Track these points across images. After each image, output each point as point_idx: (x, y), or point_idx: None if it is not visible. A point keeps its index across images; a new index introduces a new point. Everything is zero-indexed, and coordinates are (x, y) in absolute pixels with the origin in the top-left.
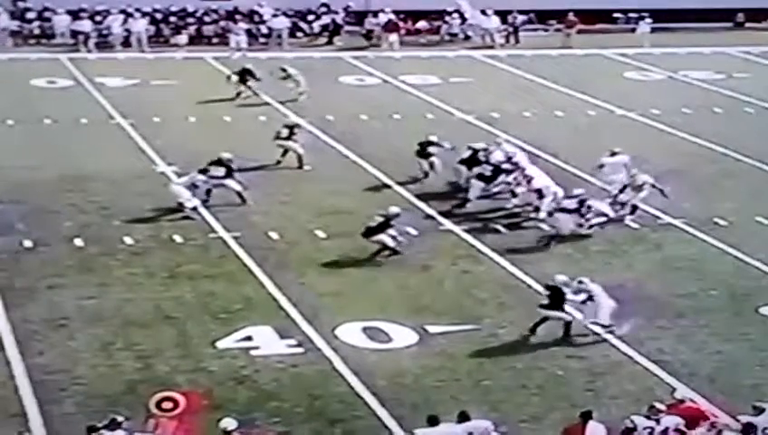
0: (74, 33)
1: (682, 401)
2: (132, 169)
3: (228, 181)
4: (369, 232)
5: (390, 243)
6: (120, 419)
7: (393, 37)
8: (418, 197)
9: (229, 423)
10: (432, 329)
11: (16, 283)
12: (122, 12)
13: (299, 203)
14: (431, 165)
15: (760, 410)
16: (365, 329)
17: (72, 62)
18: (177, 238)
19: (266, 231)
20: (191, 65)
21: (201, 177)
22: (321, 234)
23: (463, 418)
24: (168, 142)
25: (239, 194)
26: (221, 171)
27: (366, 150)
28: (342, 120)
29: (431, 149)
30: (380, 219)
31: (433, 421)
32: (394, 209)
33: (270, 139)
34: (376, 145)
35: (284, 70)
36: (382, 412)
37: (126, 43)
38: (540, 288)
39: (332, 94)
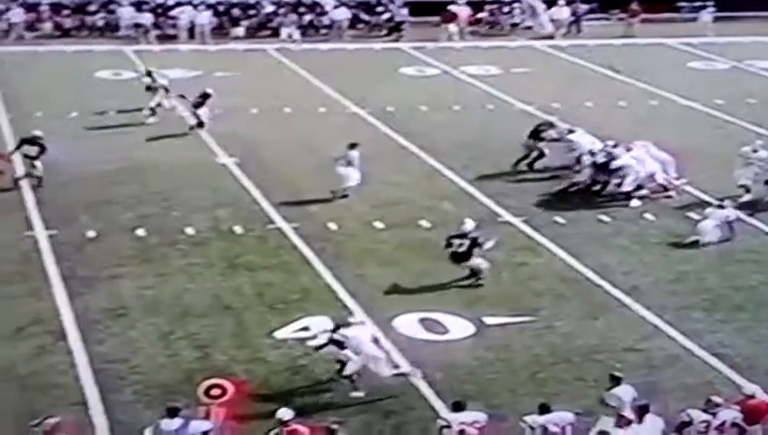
0: (137, 26)
1: (752, 396)
2: (193, 160)
3: (38, 163)
4: (459, 258)
5: (485, 265)
6: (178, 407)
7: (452, 27)
8: (477, 188)
9: (285, 413)
10: (489, 321)
11: (79, 272)
12: (188, 3)
13: (357, 194)
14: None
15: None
16: (422, 320)
17: (137, 54)
18: (237, 229)
19: (325, 222)
20: (252, 57)
21: (354, 152)
22: (379, 225)
23: (544, 410)
24: (230, 134)
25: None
26: (34, 151)
27: (425, 141)
28: (402, 111)
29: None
30: (466, 242)
31: (458, 407)
32: (470, 224)
33: (329, 128)
34: (435, 136)
35: (150, 74)
36: (437, 404)
37: (190, 35)
38: (597, 280)
39: (393, 85)
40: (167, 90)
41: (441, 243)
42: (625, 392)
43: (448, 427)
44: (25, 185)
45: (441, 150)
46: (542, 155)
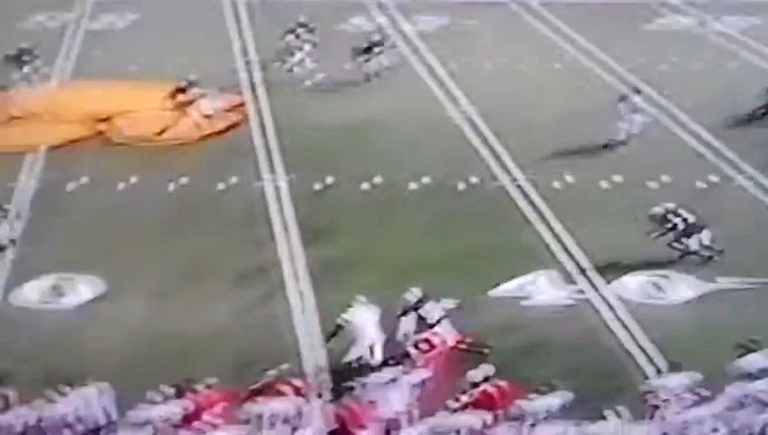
0: None
1: None
2: (428, 114)
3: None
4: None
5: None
6: (387, 359)
7: None
8: (721, 145)
9: (475, 375)
10: (715, 285)
11: (305, 222)
12: None
13: (590, 151)
14: None
15: None
16: (645, 283)
17: (380, 5)
18: (464, 184)
19: (552, 178)
20: (496, 12)
21: (622, 104)
22: (608, 184)
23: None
24: (466, 88)
25: None
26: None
27: (667, 99)
28: (644, 67)
29: None
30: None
31: (668, 372)
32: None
33: (567, 85)
34: (678, 93)
35: (293, 32)
36: (649, 369)
37: None
38: None
39: (636, 41)
40: (310, 46)
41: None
42: (756, 361)
43: (651, 392)
44: (255, 133)
45: (684, 108)
46: None
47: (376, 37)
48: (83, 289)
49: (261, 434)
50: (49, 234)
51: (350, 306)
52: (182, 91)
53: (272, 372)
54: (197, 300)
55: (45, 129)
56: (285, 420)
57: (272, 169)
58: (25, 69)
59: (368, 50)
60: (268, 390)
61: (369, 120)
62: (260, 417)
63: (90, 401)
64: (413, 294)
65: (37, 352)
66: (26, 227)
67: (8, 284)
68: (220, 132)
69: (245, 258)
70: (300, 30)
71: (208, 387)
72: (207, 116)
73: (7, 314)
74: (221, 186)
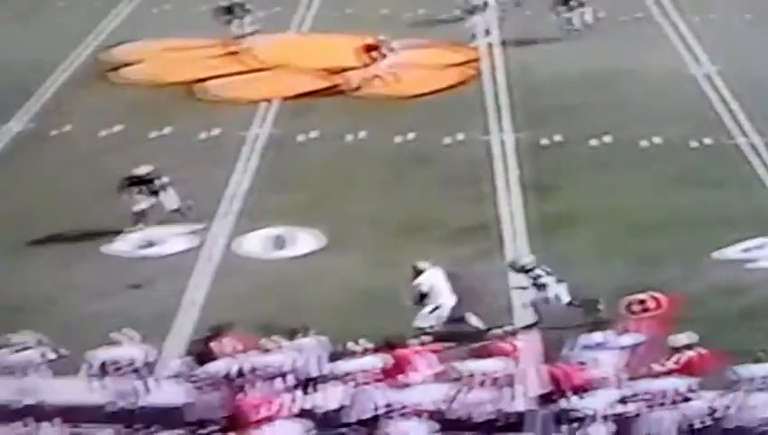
0: None
1: None
2: (667, 69)
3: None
4: None
5: None
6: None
7: None
8: None
9: (677, 340)
10: None
11: (530, 179)
12: None
13: None
14: None
15: None
16: None
17: None
18: (697, 143)
19: None
20: None
21: None
22: None
23: None
24: (708, 47)
25: None
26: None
27: None
28: None
29: None
30: None
31: None
32: None
33: None
34: None
35: None
36: None
37: None
38: None
39: None
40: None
41: None
42: None
43: None
44: (487, 88)
45: None
46: None
47: None
48: (305, 241)
49: (469, 393)
50: (276, 185)
51: (419, 271)
52: (374, 48)
53: (496, 332)
54: (414, 255)
55: (279, 80)
56: (495, 381)
57: (500, 125)
58: (234, 23)
59: (565, 1)
60: (485, 349)
61: (602, 74)
62: (471, 376)
63: (306, 352)
64: (526, 259)
65: (256, 301)
66: (254, 177)
67: (232, 233)
68: (451, 87)
69: (465, 214)
70: None
71: (422, 344)
72: (394, 70)
73: (230, 264)
74: (447, 140)
